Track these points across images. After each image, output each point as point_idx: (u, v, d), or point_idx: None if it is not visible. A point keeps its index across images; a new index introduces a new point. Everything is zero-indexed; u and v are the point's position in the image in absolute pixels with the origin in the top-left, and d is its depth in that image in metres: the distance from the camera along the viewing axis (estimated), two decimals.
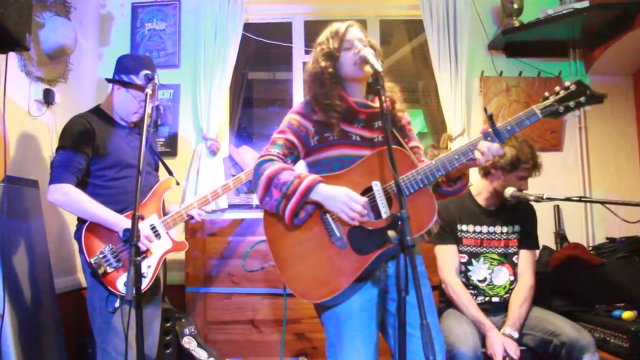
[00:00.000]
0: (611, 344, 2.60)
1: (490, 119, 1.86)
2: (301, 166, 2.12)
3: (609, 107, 3.97)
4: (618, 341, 2.57)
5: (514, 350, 2.41)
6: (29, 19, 2.19)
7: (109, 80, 2.67)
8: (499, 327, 2.60)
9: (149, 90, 2.23)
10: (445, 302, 2.70)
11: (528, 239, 2.77)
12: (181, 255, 3.45)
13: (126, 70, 2.60)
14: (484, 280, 2.70)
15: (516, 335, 2.49)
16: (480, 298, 2.68)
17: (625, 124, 4.00)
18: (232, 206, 3.86)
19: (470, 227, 2.74)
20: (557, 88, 1.88)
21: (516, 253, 2.75)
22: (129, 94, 2.59)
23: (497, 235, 2.73)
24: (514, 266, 2.73)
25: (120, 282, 2.38)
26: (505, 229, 2.74)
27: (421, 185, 1.86)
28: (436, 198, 2.00)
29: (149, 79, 2.26)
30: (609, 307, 2.83)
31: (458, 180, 2.00)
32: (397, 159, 1.81)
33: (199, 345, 3.23)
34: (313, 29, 4.16)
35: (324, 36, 2.08)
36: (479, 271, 2.71)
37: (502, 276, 2.71)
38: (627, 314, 2.66)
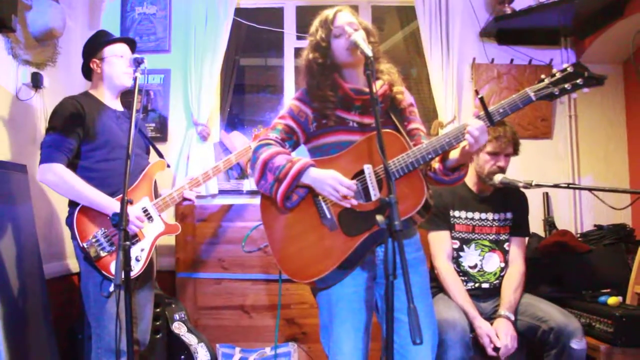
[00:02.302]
0: (597, 329, 2.63)
1: (482, 101, 1.86)
2: (302, 151, 2.15)
3: (599, 95, 3.99)
4: (603, 326, 2.60)
5: (506, 333, 2.43)
6: (15, 0, 2.16)
7: (85, 70, 2.67)
8: (489, 313, 2.64)
9: (138, 74, 2.22)
10: (437, 287, 2.71)
11: (520, 226, 2.79)
12: (171, 241, 3.46)
13: (93, 44, 2.63)
14: (475, 266, 2.72)
15: (512, 317, 2.53)
16: (471, 284, 2.70)
17: (615, 112, 4.02)
18: (222, 192, 3.85)
19: (463, 214, 2.75)
20: (554, 70, 1.86)
21: (507, 240, 2.77)
22: (110, 58, 2.59)
23: (488, 222, 2.75)
24: (504, 253, 2.75)
25: (114, 266, 2.36)
26: (497, 216, 2.75)
27: (411, 169, 1.87)
28: (432, 184, 2.05)
29: (139, 63, 2.25)
30: (595, 293, 2.86)
31: (455, 171, 1.99)
32: (388, 142, 1.84)
33: (189, 330, 3.24)
34: (305, 14, 4.13)
35: (314, 26, 2.08)
36: (470, 257, 2.73)
37: (492, 263, 2.73)
38: (613, 300, 2.69)
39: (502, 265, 2.73)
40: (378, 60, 2.08)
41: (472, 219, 2.75)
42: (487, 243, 2.74)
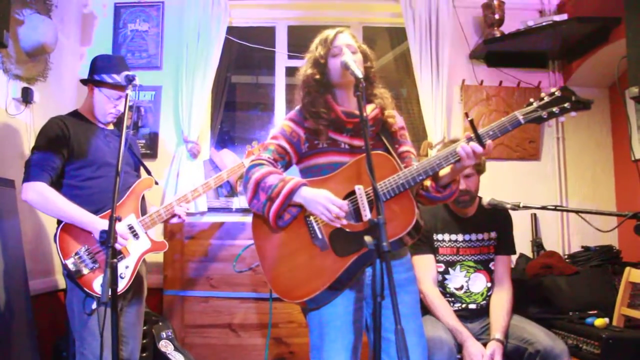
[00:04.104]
0: (584, 351, 2.64)
1: (472, 123, 1.88)
2: (293, 171, 2.15)
3: (586, 118, 4.05)
4: (590, 348, 2.60)
5: (500, 356, 2.44)
6: (7, 15, 2.17)
7: (83, 82, 2.66)
8: (477, 334, 2.63)
9: (129, 91, 2.22)
10: (423, 309, 2.70)
11: (505, 244, 2.80)
12: (159, 258, 3.44)
13: (99, 70, 2.60)
14: (461, 288, 2.73)
15: (505, 342, 2.52)
16: (457, 305, 2.70)
17: (602, 135, 4.08)
18: (211, 209, 3.85)
19: (446, 236, 2.76)
20: (543, 94, 1.88)
21: (492, 260, 2.77)
22: (102, 94, 2.58)
23: (472, 243, 2.76)
24: (490, 273, 2.75)
25: (97, 284, 2.34)
26: (481, 236, 2.76)
27: (402, 190, 1.89)
28: (425, 203, 2.07)
29: (130, 80, 2.25)
30: (582, 315, 2.87)
31: (447, 187, 2.02)
32: (380, 163, 1.87)
33: (176, 349, 3.21)
34: (296, 34, 4.18)
35: (314, 44, 2.11)
36: (456, 279, 2.73)
37: (479, 283, 2.73)
38: (600, 321, 2.70)
39: (489, 285, 2.74)
40: (373, 84, 2.11)
41: (456, 241, 2.76)
42: (472, 264, 2.75)
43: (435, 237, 2.76)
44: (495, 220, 2.78)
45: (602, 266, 3.31)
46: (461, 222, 2.78)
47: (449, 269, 2.74)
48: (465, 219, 2.79)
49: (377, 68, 2.18)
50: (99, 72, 2.59)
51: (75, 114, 2.64)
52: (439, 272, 2.74)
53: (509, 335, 2.58)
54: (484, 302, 2.70)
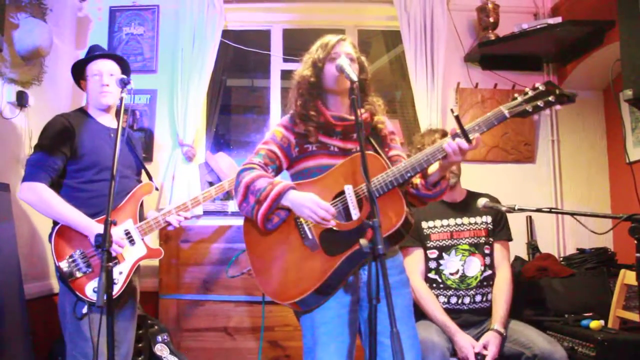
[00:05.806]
0: (579, 353, 2.64)
1: (457, 119, 1.89)
2: (284, 176, 2.16)
3: (581, 121, 4.07)
4: (586, 350, 2.60)
5: (496, 345, 2.46)
6: (2, 19, 2.17)
7: (78, 85, 2.70)
8: (472, 336, 2.62)
9: (124, 94, 2.22)
10: (417, 313, 2.69)
11: (500, 230, 2.81)
12: (155, 262, 3.41)
13: (80, 63, 2.63)
14: (457, 272, 2.73)
15: (504, 332, 2.53)
16: (454, 300, 2.70)
17: (596, 137, 4.09)
18: (207, 213, 3.84)
19: (437, 222, 2.78)
20: (526, 89, 1.91)
21: (486, 243, 2.78)
22: (88, 79, 2.59)
23: (465, 227, 2.78)
24: (484, 256, 2.76)
25: (89, 288, 2.33)
26: (473, 220, 2.78)
27: (390, 187, 1.90)
28: (416, 203, 2.09)
29: (125, 84, 2.25)
30: (578, 317, 2.88)
31: (437, 184, 2.03)
32: (368, 163, 1.86)
33: (172, 352, 3.20)
34: (292, 37, 4.19)
35: (315, 46, 2.13)
36: (451, 264, 2.75)
37: (473, 267, 2.74)
38: (595, 324, 2.70)
39: (482, 268, 2.74)
40: (367, 94, 2.13)
41: (448, 225, 2.78)
42: (466, 247, 2.76)
43: (423, 225, 2.77)
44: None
45: (598, 268, 3.32)
46: (452, 207, 2.81)
47: (444, 254, 2.75)
48: (456, 204, 2.81)
49: (372, 71, 2.20)
50: (80, 64, 2.63)
51: (81, 111, 2.64)
52: (432, 259, 2.75)
53: (507, 338, 2.58)
54: (479, 304, 2.69)
